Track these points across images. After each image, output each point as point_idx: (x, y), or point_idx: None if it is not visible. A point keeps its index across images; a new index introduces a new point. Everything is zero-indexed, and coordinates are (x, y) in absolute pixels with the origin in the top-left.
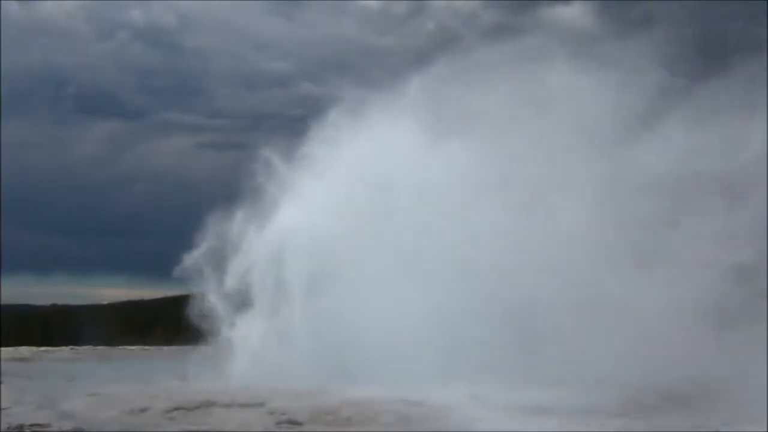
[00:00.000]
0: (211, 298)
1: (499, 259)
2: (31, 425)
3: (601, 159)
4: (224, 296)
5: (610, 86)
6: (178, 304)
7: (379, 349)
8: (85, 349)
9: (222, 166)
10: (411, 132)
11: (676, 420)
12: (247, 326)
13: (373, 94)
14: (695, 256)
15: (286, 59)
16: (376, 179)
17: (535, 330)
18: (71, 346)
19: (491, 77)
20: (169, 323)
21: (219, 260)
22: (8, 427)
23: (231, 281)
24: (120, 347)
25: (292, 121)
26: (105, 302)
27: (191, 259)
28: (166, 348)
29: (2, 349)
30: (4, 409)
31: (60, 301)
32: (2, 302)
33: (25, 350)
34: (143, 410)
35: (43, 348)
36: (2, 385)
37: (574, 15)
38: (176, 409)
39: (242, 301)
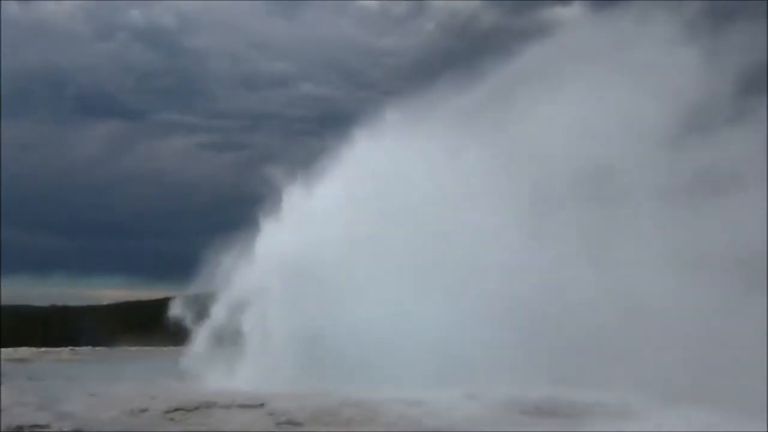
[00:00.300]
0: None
1: (506, 259)
2: (31, 426)
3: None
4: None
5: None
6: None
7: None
8: (84, 350)
9: (222, 167)
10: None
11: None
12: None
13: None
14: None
15: (286, 59)
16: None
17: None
18: (71, 347)
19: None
20: (169, 324)
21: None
22: (8, 428)
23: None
24: (120, 348)
25: (292, 121)
26: (105, 303)
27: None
28: (165, 348)
29: (2, 349)
30: (3, 409)
31: (60, 302)
32: (2, 303)
33: (24, 351)
34: (143, 411)
35: (42, 348)
36: (2, 386)
37: (574, 16)
38: (176, 409)
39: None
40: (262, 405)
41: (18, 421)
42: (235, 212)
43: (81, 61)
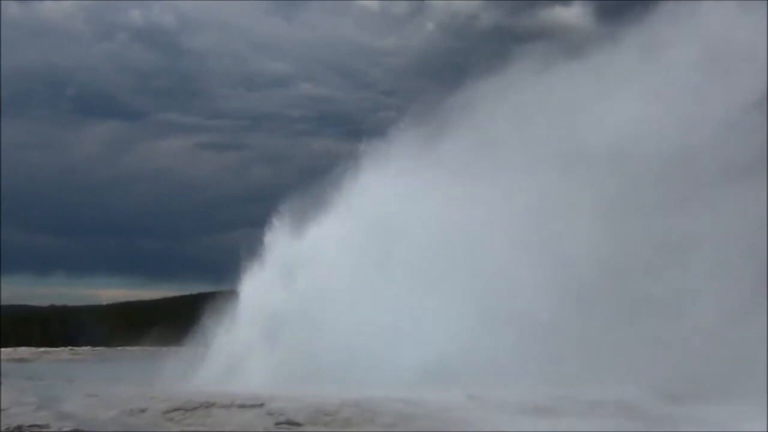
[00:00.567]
0: None
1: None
2: (30, 426)
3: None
4: None
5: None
6: (178, 304)
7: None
8: (84, 350)
9: (221, 167)
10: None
11: None
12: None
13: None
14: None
15: (286, 60)
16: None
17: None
18: (70, 347)
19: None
20: (169, 323)
21: None
22: (7, 428)
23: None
24: (119, 348)
25: (291, 122)
26: (104, 303)
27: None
28: (165, 348)
29: (1, 349)
30: (3, 409)
31: (59, 302)
32: (2, 303)
33: (24, 351)
34: (142, 411)
35: (42, 349)
36: (1, 386)
37: (573, 16)
38: (175, 409)
39: None
40: (261, 405)
41: (17, 421)
42: (235, 212)
43: (81, 61)
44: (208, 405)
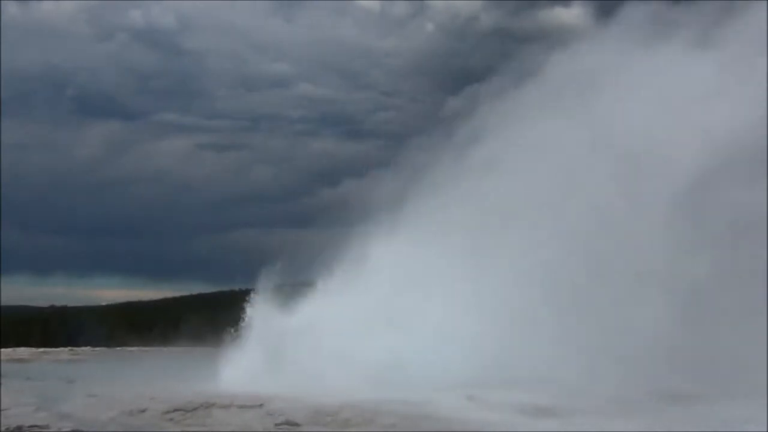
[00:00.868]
0: None
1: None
2: (30, 426)
3: None
4: None
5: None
6: (177, 304)
7: None
8: (84, 350)
9: (221, 167)
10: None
11: None
12: None
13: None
14: None
15: (286, 60)
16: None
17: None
18: (70, 347)
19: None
20: (168, 324)
21: None
22: (7, 428)
23: None
24: (119, 348)
25: (291, 122)
26: (104, 303)
27: None
28: (165, 348)
29: (1, 350)
30: (3, 410)
31: (59, 302)
32: (1, 303)
33: (23, 351)
34: (142, 411)
35: (41, 349)
36: (1, 386)
37: (574, 17)
38: (175, 410)
39: None
40: (261, 405)
41: (17, 421)
42: (234, 213)
43: (81, 62)
44: (208, 405)
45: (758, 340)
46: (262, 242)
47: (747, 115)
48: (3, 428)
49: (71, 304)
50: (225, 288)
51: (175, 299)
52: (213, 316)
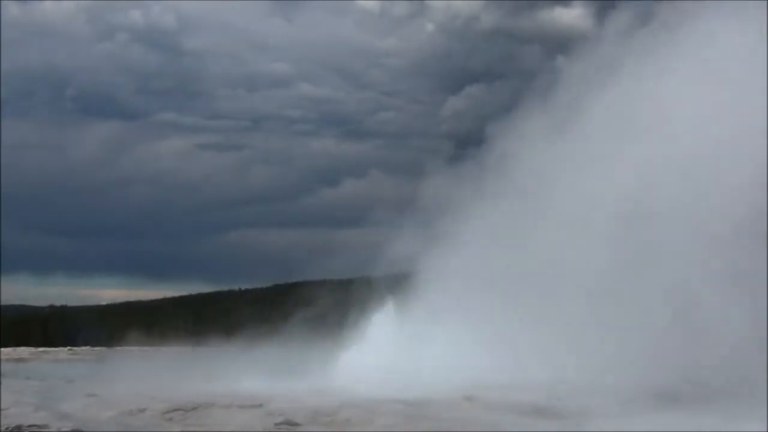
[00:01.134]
0: None
1: None
2: (30, 426)
3: None
4: None
5: None
6: (177, 304)
7: None
8: (83, 350)
9: (221, 167)
10: None
11: None
12: None
13: None
14: None
15: (286, 60)
16: None
17: None
18: (70, 347)
19: None
20: (168, 324)
21: None
22: (7, 428)
23: None
24: (118, 348)
25: (291, 122)
26: (104, 303)
27: None
28: (165, 348)
29: (1, 349)
30: (2, 409)
31: (59, 302)
32: (1, 303)
33: (23, 351)
34: (141, 411)
35: (41, 349)
36: (1, 386)
37: (574, 17)
38: (175, 410)
39: None
40: (260, 405)
41: (17, 420)
42: (234, 213)
43: (81, 62)
44: (208, 405)
45: (759, 340)
46: (262, 242)
47: None
48: (3, 427)
49: (71, 303)
50: (225, 288)
51: (175, 299)
52: (213, 316)
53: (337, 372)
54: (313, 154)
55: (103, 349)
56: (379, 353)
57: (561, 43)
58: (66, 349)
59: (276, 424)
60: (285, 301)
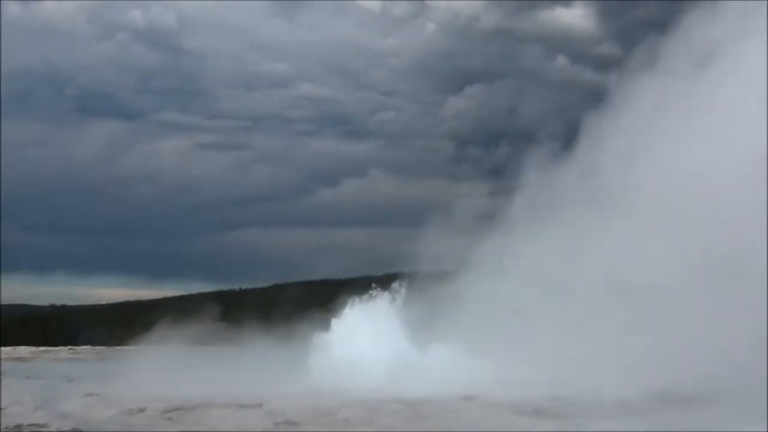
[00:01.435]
0: None
1: None
2: (30, 425)
3: None
4: None
5: None
6: (177, 304)
7: None
8: (83, 349)
9: (222, 167)
10: None
11: None
12: None
13: None
14: None
15: (286, 60)
16: None
17: None
18: (70, 346)
19: None
20: (168, 323)
21: None
22: (6, 427)
23: None
24: (118, 347)
25: (291, 122)
26: (103, 302)
27: None
28: (164, 348)
29: (1, 348)
30: (2, 408)
31: (59, 301)
32: (1, 302)
33: (23, 350)
34: (141, 410)
35: (41, 348)
36: (1, 385)
37: (574, 18)
38: (174, 409)
39: None
40: (260, 405)
41: (16, 420)
42: (234, 212)
43: (81, 61)
44: (208, 405)
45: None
46: (262, 242)
47: None
48: (3, 427)
49: (71, 303)
50: (225, 287)
51: (175, 299)
52: (213, 316)
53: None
54: (313, 154)
55: (104, 348)
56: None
57: (561, 43)
58: (66, 348)
59: (276, 424)
60: (285, 301)
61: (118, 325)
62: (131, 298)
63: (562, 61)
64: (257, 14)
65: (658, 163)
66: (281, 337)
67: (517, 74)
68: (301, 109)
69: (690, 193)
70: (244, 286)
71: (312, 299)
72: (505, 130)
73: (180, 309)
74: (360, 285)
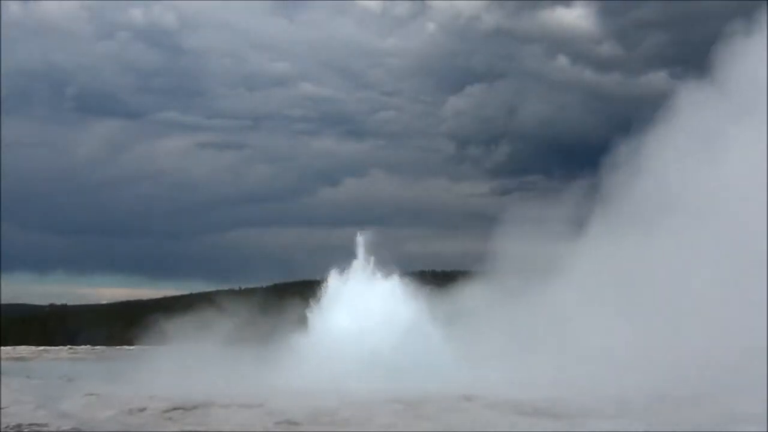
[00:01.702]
0: None
1: None
2: (30, 424)
3: None
4: None
5: None
6: (177, 303)
7: None
8: (83, 349)
9: (222, 166)
10: None
11: None
12: None
13: None
14: None
15: (287, 60)
16: None
17: None
18: (70, 346)
19: None
20: (168, 323)
21: None
22: (7, 427)
23: None
24: (118, 347)
25: (292, 121)
26: (103, 302)
27: None
28: (164, 347)
29: (1, 348)
30: (2, 408)
31: (59, 301)
32: (1, 301)
33: (23, 349)
34: (141, 410)
35: (41, 347)
36: (1, 385)
37: (575, 18)
38: (174, 408)
39: None
40: (260, 404)
41: (17, 419)
42: (234, 212)
43: (81, 61)
44: (208, 404)
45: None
46: (261, 241)
47: None
48: (3, 426)
49: (71, 302)
50: (225, 287)
51: (175, 298)
52: (213, 316)
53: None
54: (313, 153)
55: (103, 348)
56: None
57: (562, 43)
58: (66, 347)
59: (276, 423)
60: (285, 300)
61: (118, 324)
62: (131, 298)
63: (562, 60)
64: (258, 14)
65: (729, 169)
66: (280, 337)
67: (518, 74)
68: (301, 109)
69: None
70: (244, 286)
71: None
72: (505, 129)
73: (180, 309)
74: None
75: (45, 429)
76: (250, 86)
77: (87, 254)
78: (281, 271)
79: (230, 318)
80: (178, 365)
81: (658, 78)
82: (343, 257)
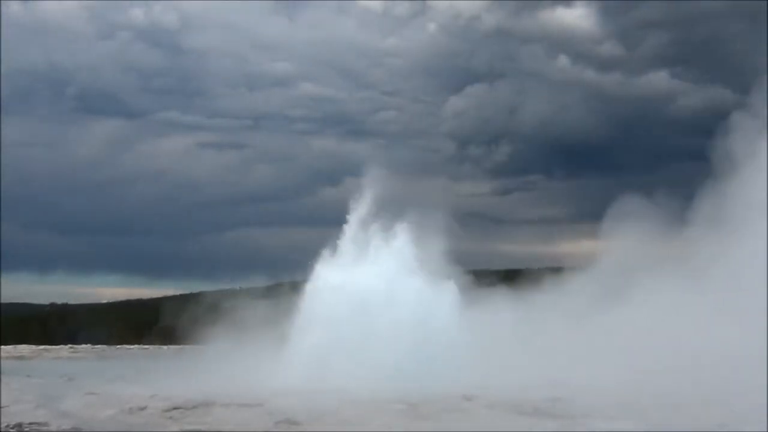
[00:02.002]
0: None
1: None
2: (30, 423)
3: None
4: None
5: None
6: (177, 303)
7: None
8: (83, 348)
9: (222, 166)
10: None
11: None
12: None
13: None
14: None
15: (287, 59)
16: None
17: None
18: (70, 345)
19: None
20: (168, 322)
21: None
22: (7, 426)
23: None
24: (119, 346)
25: (292, 121)
26: (104, 301)
27: None
28: (164, 347)
29: (2, 347)
30: (3, 407)
31: (59, 300)
32: (2, 301)
33: (24, 349)
34: (141, 409)
35: (42, 347)
36: (1, 384)
37: (576, 18)
38: (175, 408)
39: None
40: (260, 404)
41: (17, 418)
42: (235, 212)
43: (82, 60)
44: (208, 404)
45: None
46: (263, 241)
47: None
48: (3, 425)
49: (71, 301)
50: (225, 287)
51: (175, 298)
52: (213, 315)
53: None
54: (314, 153)
55: (104, 347)
56: None
57: (562, 43)
58: (66, 347)
59: (276, 423)
60: (285, 300)
61: (119, 324)
62: (131, 297)
63: (563, 61)
64: (258, 13)
65: None
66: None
67: (518, 74)
68: (302, 109)
69: None
70: (244, 285)
71: None
72: (506, 129)
73: (180, 309)
74: None
75: (45, 428)
76: (251, 86)
77: (87, 254)
78: (281, 271)
79: (230, 318)
80: (179, 365)
81: (659, 78)
82: None
